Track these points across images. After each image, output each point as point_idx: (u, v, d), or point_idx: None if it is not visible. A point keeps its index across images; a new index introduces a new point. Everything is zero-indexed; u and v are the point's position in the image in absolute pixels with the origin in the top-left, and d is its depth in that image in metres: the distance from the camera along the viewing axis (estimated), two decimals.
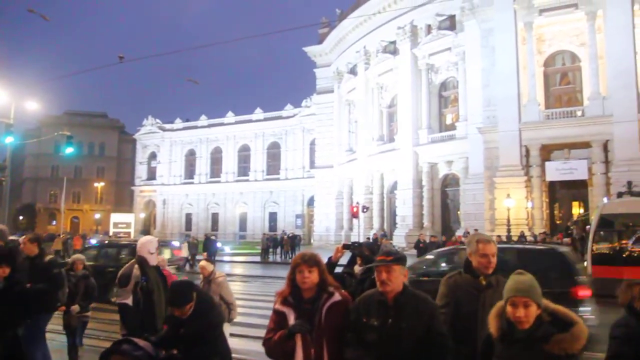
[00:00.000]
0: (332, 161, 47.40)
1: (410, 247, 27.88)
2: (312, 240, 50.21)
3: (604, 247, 17.64)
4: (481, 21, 30.97)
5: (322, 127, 49.91)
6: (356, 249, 5.84)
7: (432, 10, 35.59)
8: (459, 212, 34.08)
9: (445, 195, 36.19)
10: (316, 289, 3.35)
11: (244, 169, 63.41)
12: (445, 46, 35.47)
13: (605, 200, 22.39)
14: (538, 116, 28.78)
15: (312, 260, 3.38)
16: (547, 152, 28.95)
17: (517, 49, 29.31)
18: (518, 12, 29.42)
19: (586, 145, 27.81)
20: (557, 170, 28.20)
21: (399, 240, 34.37)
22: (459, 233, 29.73)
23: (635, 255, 16.64)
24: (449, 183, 35.92)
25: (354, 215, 30.46)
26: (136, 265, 5.41)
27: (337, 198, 46.49)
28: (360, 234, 32.43)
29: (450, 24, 35.59)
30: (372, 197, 40.44)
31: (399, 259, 3.22)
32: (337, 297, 3.35)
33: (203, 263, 6.94)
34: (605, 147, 27.39)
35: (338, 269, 5.70)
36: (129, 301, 5.30)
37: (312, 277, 3.33)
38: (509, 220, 26.84)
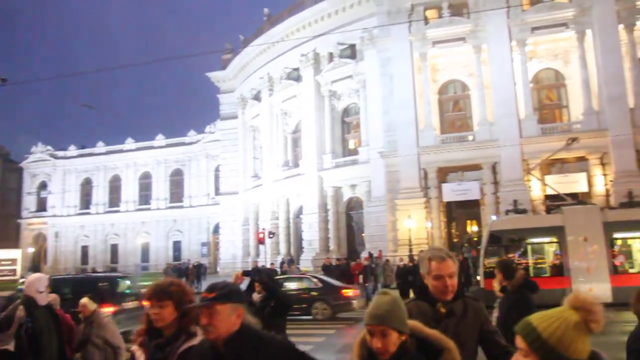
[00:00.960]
0: (238, 187, 46.93)
1: (318, 270, 28.06)
2: (218, 269, 49.07)
3: (493, 261, 18.99)
4: (380, 51, 32.42)
5: (227, 153, 49.42)
6: (255, 276, 5.78)
7: (334, 39, 36.74)
8: (363, 235, 34.90)
9: (350, 219, 36.99)
10: (175, 327, 2.84)
11: (145, 198, 60.94)
12: (347, 74, 36.68)
13: (493, 218, 24.09)
14: (434, 141, 30.42)
15: (163, 293, 2.84)
16: (444, 174, 30.59)
17: (414, 78, 30.94)
18: (414, 43, 31.14)
19: (477, 167, 29.74)
20: (453, 191, 29.87)
21: (306, 264, 34.50)
22: (364, 254, 30.42)
23: (521, 267, 18.16)
24: (353, 206, 36.79)
25: (260, 241, 30.23)
26: (21, 306, 4.94)
27: (244, 224, 45.97)
28: (267, 260, 32.18)
29: (351, 52, 36.91)
30: (278, 223, 40.39)
31: (225, 295, 2.45)
32: (196, 340, 2.76)
33: (84, 300, 6.25)
34: (494, 169, 29.45)
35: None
36: (11, 347, 4.81)
37: (163, 313, 2.81)
38: (410, 241, 27.92)
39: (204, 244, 55.85)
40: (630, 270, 18.23)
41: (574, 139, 24.02)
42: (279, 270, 25.93)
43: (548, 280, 18.04)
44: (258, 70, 43.94)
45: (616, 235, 18.38)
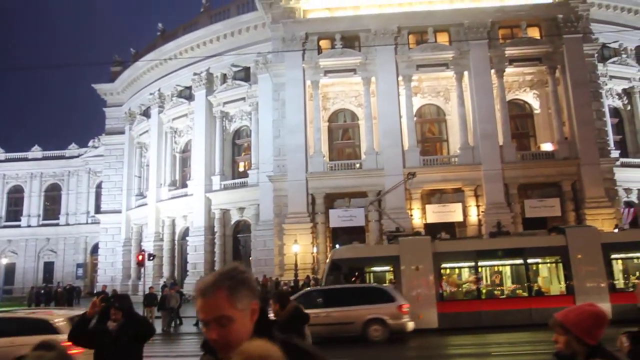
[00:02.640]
0: (121, 206, 44.60)
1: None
2: (95, 291, 45.87)
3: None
4: (273, 75, 32.66)
5: (111, 170, 46.95)
6: (116, 302, 5.39)
7: (228, 61, 36.56)
8: (250, 258, 34.47)
9: (237, 242, 36.45)
10: None
11: (14, 213, 55.60)
12: (240, 96, 36.55)
13: (337, 246, 24.92)
14: (323, 167, 30.95)
15: None
16: (331, 200, 31.13)
17: (305, 104, 31.42)
18: (307, 71, 31.73)
19: (364, 194, 30.61)
20: (339, 217, 30.44)
21: (190, 288, 33.25)
22: None
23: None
24: (241, 229, 36.33)
25: (140, 263, 28.66)
26: None
27: (125, 245, 43.64)
28: (147, 283, 30.58)
29: (245, 75, 36.90)
30: (162, 244, 38.82)
31: None
32: None
33: None
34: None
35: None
36: None
37: None
38: (296, 265, 27.94)
39: (79, 265, 52.02)
40: (455, 298, 19.73)
41: (413, 174, 25.78)
42: (159, 294, 24.69)
43: None
44: (148, 85, 42.46)
45: (444, 264, 19.80)
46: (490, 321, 18.09)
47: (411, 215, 29.94)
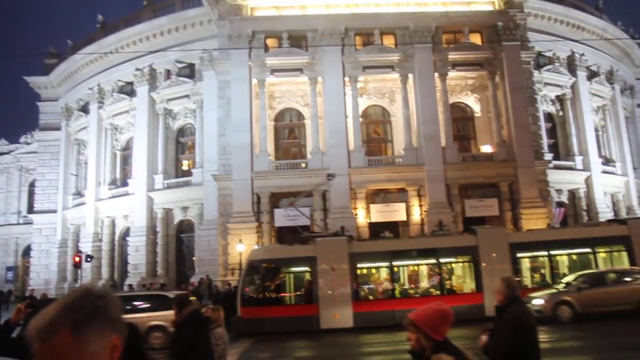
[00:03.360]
0: (56, 205, 42.67)
1: None
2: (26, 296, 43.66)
3: (251, 290, 19.79)
4: (219, 73, 32.15)
5: (45, 167, 44.82)
6: (43, 307, 5.03)
7: (172, 57, 35.69)
8: (194, 258, 33.79)
9: (181, 242, 35.64)
10: None
11: None
12: (184, 93, 35.77)
13: (255, 247, 25.08)
14: (268, 166, 30.75)
15: None
16: (276, 199, 30.93)
17: (251, 103, 31.10)
18: (253, 69, 31.42)
19: (309, 194, 30.66)
20: (284, 216, 30.21)
21: (130, 289, 32.28)
22: (193, 279, 29.41)
23: (274, 296, 19.41)
24: (184, 229, 35.56)
25: (76, 265, 27.56)
26: None
27: (61, 246, 41.78)
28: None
29: (190, 72, 36.14)
30: (101, 245, 37.42)
31: None
32: None
33: None
34: (324, 197, 30.62)
35: None
36: None
37: None
38: (240, 265, 27.58)
39: (9, 268, 49.27)
40: (370, 297, 20.22)
41: (332, 176, 26.25)
42: None
43: (300, 308, 19.35)
44: (87, 80, 40.84)
45: (360, 265, 20.19)
46: (404, 319, 18.49)
47: (356, 215, 30.24)
